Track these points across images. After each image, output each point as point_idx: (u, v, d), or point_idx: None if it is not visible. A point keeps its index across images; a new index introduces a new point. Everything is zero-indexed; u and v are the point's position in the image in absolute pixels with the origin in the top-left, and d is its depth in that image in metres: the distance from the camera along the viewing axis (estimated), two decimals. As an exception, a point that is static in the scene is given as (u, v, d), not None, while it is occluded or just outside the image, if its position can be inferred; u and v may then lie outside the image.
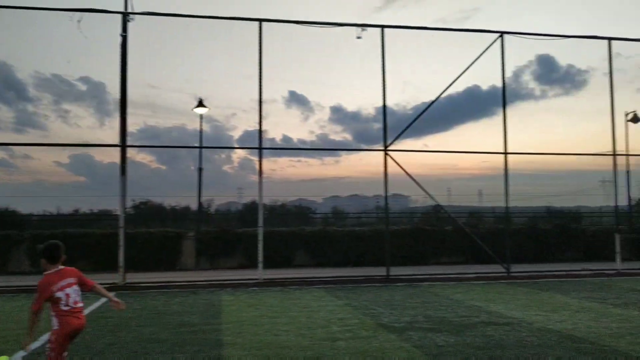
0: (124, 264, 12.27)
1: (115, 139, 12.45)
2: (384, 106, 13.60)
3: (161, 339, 6.70)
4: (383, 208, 14.89)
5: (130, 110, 12.56)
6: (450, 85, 13.82)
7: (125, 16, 12.37)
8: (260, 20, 12.77)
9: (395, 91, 21.01)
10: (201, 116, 18.32)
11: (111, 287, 11.82)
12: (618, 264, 14.55)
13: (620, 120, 20.60)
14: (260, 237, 12.77)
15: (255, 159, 13.02)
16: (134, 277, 12.72)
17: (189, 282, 12.51)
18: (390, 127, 13.96)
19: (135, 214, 22.84)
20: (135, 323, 7.86)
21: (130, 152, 19.56)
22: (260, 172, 12.90)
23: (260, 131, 12.91)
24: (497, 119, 14.40)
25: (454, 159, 15.76)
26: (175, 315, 8.53)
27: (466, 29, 13.96)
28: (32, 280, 10.78)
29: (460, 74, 13.75)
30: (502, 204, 14.47)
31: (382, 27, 13.39)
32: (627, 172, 21.16)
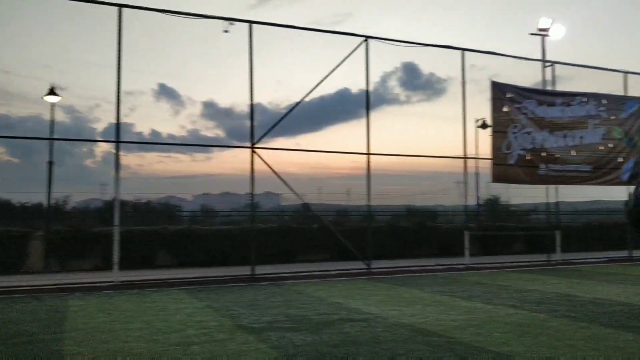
0: (-46, 268, 10.86)
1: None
2: (251, 103, 13.44)
3: (-11, 353, 5.94)
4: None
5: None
6: (315, 87, 14.03)
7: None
8: (120, 6, 11.95)
9: (269, 90, 20.98)
10: (53, 105, 16.84)
11: (-64, 295, 10.40)
12: (467, 259, 15.71)
13: (472, 126, 22.38)
14: (116, 237, 11.97)
15: (120, 153, 12.23)
16: (-33, 283, 11.31)
17: (34, 287, 11.37)
18: (264, 126, 13.94)
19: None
20: (-41, 336, 6.91)
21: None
22: (118, 166, 12.10)
23: (118, 123, 12.10)
24: (366, 120, 14.85)
25: (325, 159, 16.08)
26: (10, 324, 7.64)
27: (332, 31, 14.23)
28: None
29: (325, 77, 14.01)
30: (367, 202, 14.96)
31: (250, 22, 13.20)
32: (477, 174, 23.03)
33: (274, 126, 13.89)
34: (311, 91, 14.06)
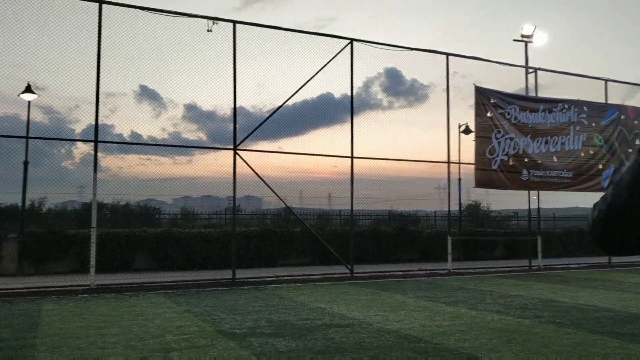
0: None
1: None
2: (234, 103, 13.24)
3: (-45, 360, 5.64)
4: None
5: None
6: (298, 90, 13.91)
7: None
8: (100, 2, 11.67)
9: (252, 93, 20.79)
10: (29, 103, 16.37)
11: None
12: (449, 264, 15.65)
13: (455, 132, 22.40)
14: (93, 239, 11.62)
15: (100, 154, 11.96)
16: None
17: (6, 290, 10.99)
18: (246, 129, 13.81)
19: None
20: None
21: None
22: (96, 166, 11.79)
23: (96, 122, 11.79)
24: (348, 126, 14.72)
25: (307, 163, 15.90)
26: (-20, 329, 7.32)
27: (318, 33, 14.17)
28: None
29: (308, 80, 13.92)
30: (349, 207, 14.81)
31: (234, 22, 13.02)
32: (459, 179, 23.02)
33: (256, 128, 13.73)
34: (294, 94, 13.93)
